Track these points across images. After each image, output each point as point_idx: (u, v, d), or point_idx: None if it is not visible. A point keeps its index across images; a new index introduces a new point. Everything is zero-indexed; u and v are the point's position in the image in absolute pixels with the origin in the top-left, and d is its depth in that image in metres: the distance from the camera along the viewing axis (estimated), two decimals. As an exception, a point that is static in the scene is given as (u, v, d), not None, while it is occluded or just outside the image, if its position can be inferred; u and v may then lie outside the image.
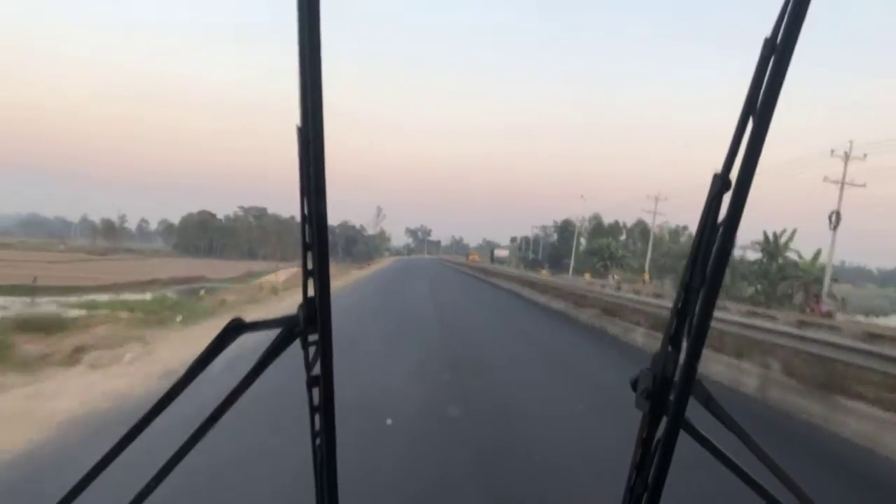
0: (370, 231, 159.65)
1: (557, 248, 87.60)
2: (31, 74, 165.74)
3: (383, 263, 72.33)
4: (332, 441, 0.87)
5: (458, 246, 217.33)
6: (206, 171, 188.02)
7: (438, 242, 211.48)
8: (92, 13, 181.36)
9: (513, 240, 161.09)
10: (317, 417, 0.87)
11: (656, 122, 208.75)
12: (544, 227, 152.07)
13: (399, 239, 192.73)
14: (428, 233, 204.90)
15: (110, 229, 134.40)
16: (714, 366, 9.71)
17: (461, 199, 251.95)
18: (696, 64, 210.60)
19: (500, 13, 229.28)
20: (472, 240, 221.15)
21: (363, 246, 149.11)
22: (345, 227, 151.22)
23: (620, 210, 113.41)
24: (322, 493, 0.91)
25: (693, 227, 0.89)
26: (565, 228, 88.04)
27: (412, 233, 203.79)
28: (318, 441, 0.88)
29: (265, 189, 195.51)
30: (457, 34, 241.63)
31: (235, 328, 0.83)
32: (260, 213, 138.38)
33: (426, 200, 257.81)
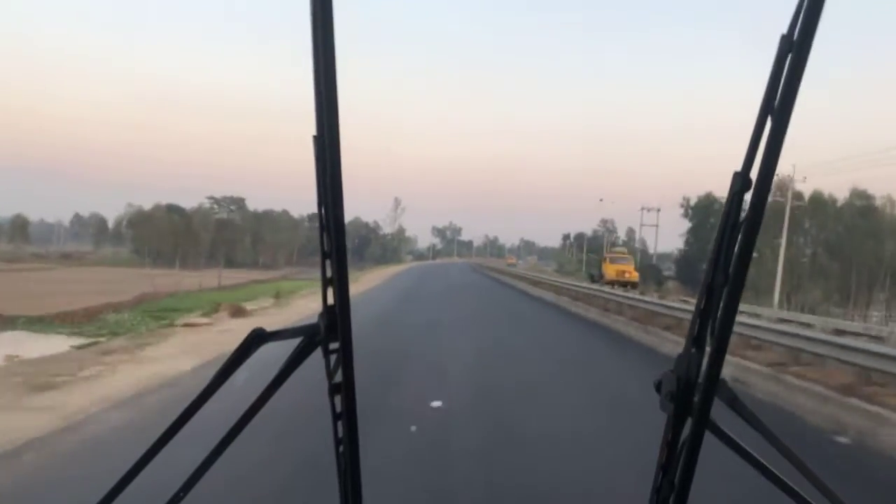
0: (386, 229, 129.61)
1: (694, 243, 49.51)
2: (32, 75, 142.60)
3: (375, 278, 40.04)
4: (355, 448, 0.88)
5: (493, 246, 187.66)
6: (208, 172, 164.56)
7: (470, 243, 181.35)
8: (96, 17, 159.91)
9: (565, 237, 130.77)
10: (339, 424, 0.88)
11: (674, 122, 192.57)
12: (606, 222, 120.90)
13: (424, 239, 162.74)
14: (458, 232, 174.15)
15: (20, 230, 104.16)
16: None
17: (494, 197, 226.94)
18: (713, 61, 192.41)
19: (523, 14, 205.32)
20: (508, 239, 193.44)
21: (378, 247, 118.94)
22: (356, 224, 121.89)
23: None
24: (346, 500, 0.91)
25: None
26: (710, 207, 47.13)
27: (439, 232, 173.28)
28: (341, 448, 0.89)
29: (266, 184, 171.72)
30: (480, 35, 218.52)
31: (257, 338, 0.84)
32: (237, 206, 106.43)
33: (455, 199, 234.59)
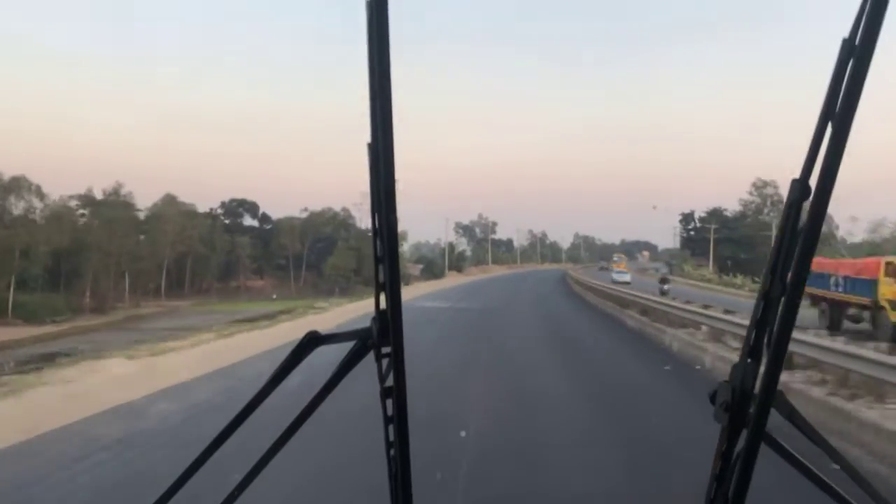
0: (366, 222, 77.46)
1: None
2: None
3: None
4: (406, 451, 0.90)
5: (542, 246, 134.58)
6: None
7: (510, 242, 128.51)
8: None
9: (685, 218, 76.46)
10: (391, 428, 0.90)
11: (734, 126, 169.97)
12: (765, 186, 66.86)
13: (444, 238, 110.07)
14: (492, 228, 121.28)
15: None
16: None
17: (538, 188, 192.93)
18: (772, 64, 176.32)
19: (569, 29, 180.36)
20: (558, 236, 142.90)
21: (352, 257, 66.92)
22: (315, 220, 70.72)
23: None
24: (397, 502, 0.93)
25: None
26: None
27: (466, 230, 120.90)
28: (392, 451, 0.91)
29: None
30: (530, 46, 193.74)
31: (311, 341, 0.89)
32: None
33: (486, 191, 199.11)
